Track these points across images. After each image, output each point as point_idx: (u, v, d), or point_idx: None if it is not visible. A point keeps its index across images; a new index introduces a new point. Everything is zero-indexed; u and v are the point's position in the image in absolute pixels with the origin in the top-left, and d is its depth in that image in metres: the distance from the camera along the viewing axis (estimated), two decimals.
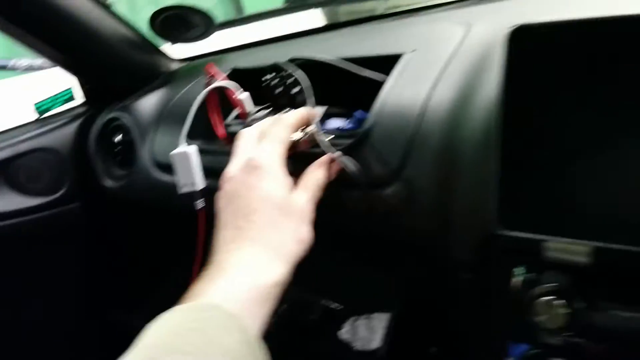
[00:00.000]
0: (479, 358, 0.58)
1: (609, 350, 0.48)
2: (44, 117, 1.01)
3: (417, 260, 0.63)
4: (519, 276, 0.50)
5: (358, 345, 0.93)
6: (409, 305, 0.79)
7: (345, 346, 0.95)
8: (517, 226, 0.46)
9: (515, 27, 0.42)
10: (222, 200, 0.57)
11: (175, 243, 0.92)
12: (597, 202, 0.43)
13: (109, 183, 0.93)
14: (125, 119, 0.92)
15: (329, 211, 0.66)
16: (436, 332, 0.68)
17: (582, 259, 0.46)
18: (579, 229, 0.44)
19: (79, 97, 1.04)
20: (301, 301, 1.06)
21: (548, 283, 0.48)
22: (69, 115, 0.99)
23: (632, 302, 0.46)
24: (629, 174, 0.42)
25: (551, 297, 0.47)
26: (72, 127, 0.96)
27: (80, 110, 1.02)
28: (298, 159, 0.68)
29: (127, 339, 1.01)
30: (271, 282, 0.49)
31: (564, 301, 0.46)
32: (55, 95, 1.02)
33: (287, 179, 0.56)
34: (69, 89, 1.03)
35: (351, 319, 1.01)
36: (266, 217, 0.53)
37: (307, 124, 0.67)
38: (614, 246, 0.42)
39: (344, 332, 0.98)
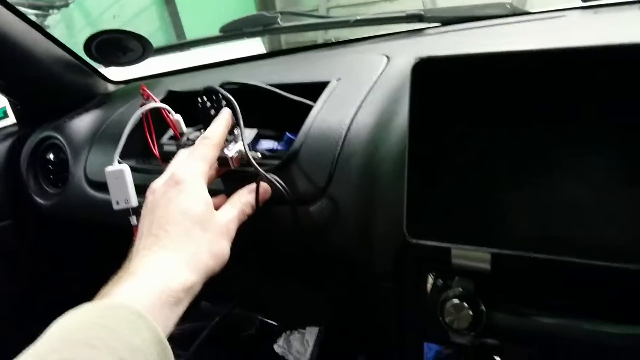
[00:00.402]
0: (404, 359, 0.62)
1: (507, 348, 0.53)
2: None
3: (342, 272, 0.67)
4: (430, 282, 0.56)
5: (292, 358, 0.96)
6: (338, 317, 0.83)
7: (281, 358, 0.98)
8: (426, 236, 0.51)
9: (417, 60, 0.48)
10: (144, 210, 0.60)
11: (110, 258, 0.92)
12: (496, 213, 0.49)
13: (41, 201, 0.92)
14: (58, 137, 0.92)
15: (259, 228, 0.70)
16: (363, 341, 0.72)
17: (483, 265, 0.51)
18: (481, 238, 0.50)
19: (11, 117, 1.03)
20: (238, 317, 1.08)
21: (455, 288, 0.53)
22: (0, 135, 0.98)
23: (526, 303, 0.52)
24: (522, 188, 0.48)
25: (457, 301, 0.52)
26: (4, 146, 0.96)
27: (12, 129, 1.01)
28: (230, 177, 0.72)
29: None
30: (180, 287, 0.50)
31: (468, 305, 0.52)
32: None
33: (206, 195, 0.59)
34: (1, 108, 1.02)
35: (285, 333, 1.04)
36: (182, 228, 0.55)
37: (232, 130, 0.71)
38: (510, 252, 0.48)
39: (278, 346, 1.01)
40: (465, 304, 0.52)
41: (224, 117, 0.70)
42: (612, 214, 0.44)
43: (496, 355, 0.55)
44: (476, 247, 0.49)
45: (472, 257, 0.51)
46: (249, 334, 1.09)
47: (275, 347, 1.04)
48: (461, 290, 0.53)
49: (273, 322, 1.10)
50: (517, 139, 0.47)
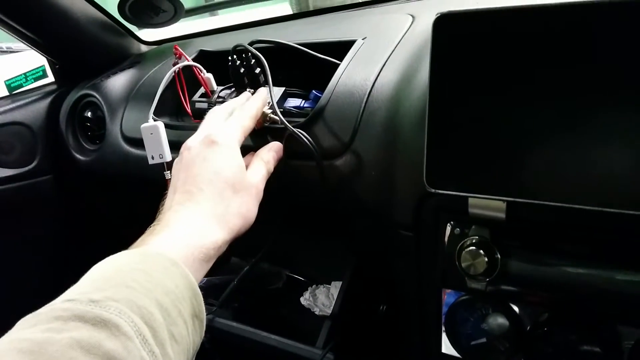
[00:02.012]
0: (419, 308, 0.65)
1: (522, 294, 0.56)
2: (16, 93, 1.05)
3: (365, 223, 0.70)
4: (449, 231, 0.58)
5: (317, 310, 1.00)
6: (361, 271, 0.86)
7: (307, 311, 1.03)
8: (444, 186, 0.54)
9: (438, 15, 0.50)
10: (178, 166, 0.62)
11: (146, 212, 0.97)
12: (512, 163, 0.51)
13: (80, 157, 0.97)
14: (95, 96, 0.96)
15: (286, 182, 0.73)
16: (385, 292, 0.76)
17: (499, 214, 0.54)
18: (497, 188, 0.52)
19: (51, 76, 1.08)
20: (266, 271, 1.13)
21: (472, 236, 0.56)
22: (40, 92, 1.03)
23: (540, 251, 0.54)
24: (537, 139, 0.49)
25: (474, 248, 0.55)
26: (44, 104, 1.00)
27: (52, 87, 1.05)
28: (259, 134, 0.75)
29: None
30: (211, 244, 0.53)
31: (484, 252, 0.54)
32: (27, 72, 1.06)
33: (239, 158, 0.61)
34: (41, 67, 1.07)
35: (311, 287, 1.09)
36: (215, 188, 0.57)
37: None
38: (524, 200, 0.50)
39: (304, 299, 1.06)
40: (481, 251, 0.54)
41: (262, 95, 0.73)
42: (624, 164, 0.46)
43: (511, 301, 0.57)
44: (492, 196, 0.52)
45: (488, 206, 0.53)
46: (276, 287, 1.14)
47: (302, 299, 1.08)
48: (477, 238, 0.55)
49: (300, 277, 1.14)
50: (535, 93, 0.48)
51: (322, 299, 1.08)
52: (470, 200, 0.54)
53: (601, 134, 0.47)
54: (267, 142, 0.73)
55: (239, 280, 0.86)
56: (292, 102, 0.83)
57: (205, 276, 0.54)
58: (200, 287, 0.98)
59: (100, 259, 0.48)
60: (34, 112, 0.99)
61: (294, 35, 0.88)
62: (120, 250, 0.49)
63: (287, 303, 1.09)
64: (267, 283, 1.14)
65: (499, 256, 0.55)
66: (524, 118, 0.49)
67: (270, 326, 0.85)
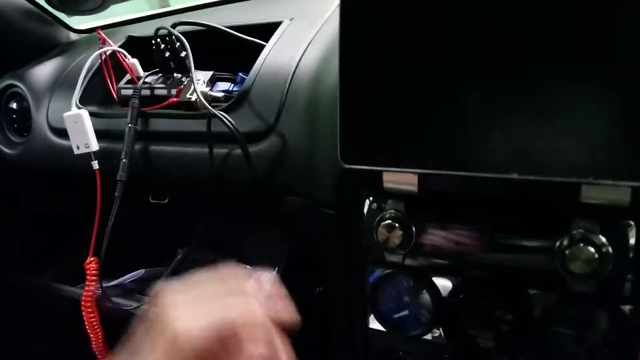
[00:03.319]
0: (345, 285, 0.66)
1: (437, 264, 0.57)
2: None
3: (291, 203, 0.70)
4: (367, 207, 0.59)
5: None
6: (297, 255, 0.86)
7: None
8: (358, 161, 0.54)
9: None
10: (151, 317, 0.39)
11: (74, 206, 0.95)
12: (421, 137, 0.51)
13: (7, 150, 0.94)
14: (19, 86, 0.93)
15: (212, 167, 0.72)
16: (320, 274, 0.76)
17: (412, 188, 0.54)
18: (408, 161, 0.52)
19: None
20: (205, 261, 1.12)
21: (388, 210, 0.56)
22: None
23: (451, 222, 0.55)
24: (445, 112, 0.50)
25: (390, 222, 0.55)
26: None
27: None
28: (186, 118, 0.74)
29: (27, 300, 1.04)
30: None
31: (399, 225, 0.55)
32: None
33: None
34: None
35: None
36: None
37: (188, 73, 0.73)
38: (433, 171, 0.51)
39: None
40: (397, 225, 0.55)
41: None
42: (531, 131, 0.47)
43: (429, 273, 0.58)
44: (404, 169, 0.52)
45: (401, 180, 0.54)
46: None
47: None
48: (393, 212, 0.56)
49: (245, 266, 1.14)
50: (446, 63, 0.48)
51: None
52: (385, 175, 0.54)
53: (511, 104, 0.47)
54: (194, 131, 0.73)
55: (172, 269, 0.85)
56: (222, 86, 0.82)
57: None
58: (139, 280, 0.97)
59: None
60: None
61: (224, 18, 0.87)
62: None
63: None
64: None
65: (414, 229, 0.55)
66: (434, 91, 0.50)
67: None
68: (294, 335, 0.45)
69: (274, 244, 0.92)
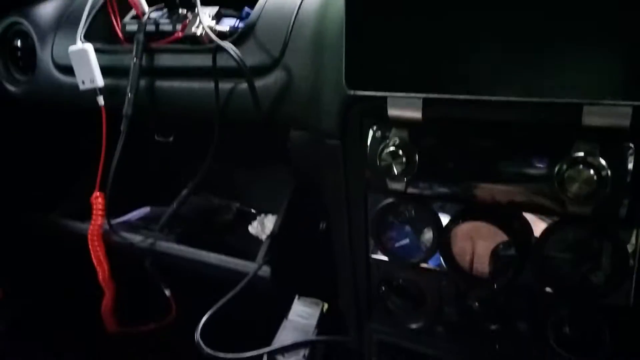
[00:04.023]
0: (347, 216, 0.67)
1: (439, 191, 0.58)
2: None
3: (296, 137, 0.71)
4: (371, 135, 0.60)
5: (264, 237, 1.02)
6: (302, 192, 0.88)
7: (254, 239, 1.05)
8: (363, 87, 0.55)
9: None
10: None
11: (80, 142, 0.96)
12: (425, 63, 0.52)
13: (11, 88, 0.95)
14: (24, 23, 0.93)
15: (219, 101, 0.73)
16: (324, 211, 0.77)
17: (416, 114, 0.55)
18: (413, 86, 0.53)
19: None
20: (215, 205, 1.14)
21: (392, 137, 0.57)
22: None
23: (453, 147, 0.56)
24: (452, 35, 0.50)
25: (393, 149, 0.56)
26: None
27: None
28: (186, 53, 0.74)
29: (41, 237, 1.05)
30: None
31: (403, 152, 0.56)
32: None
33: None
34: None
35: (259, 217, 1.11)
36: None
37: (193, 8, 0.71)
38: (437, 95, 0.51)
39: (252, 228, 1.08)
40: (400, 152, 0.56)
41: None
42: (533, 55, 0.47)
43: (430, 200, 0.60)
44: (408, 93, 0.53)
45: (405, 105, 0.55)
46: (226, 219, 1.16)
47: (250, 228, 1.10)
48: (397, 139, 0.57)
49: (251, 210, 1.16)
50: None
51: (270, 227, 1.10)
52: (389, 102, 0.55)
53: (515, 29, 0.48)
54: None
55: (178, 204, 0.87)
56: (227, 22, 0.82)
57: None
58: (144, 217, 0.98)
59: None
60: None
61: None
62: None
63: (235, 232, 1.11)
64: (217, 215, 1.16)
65: (417, 157, 0.56)
66: (439, 18, 0.50)
67: (215, 251, 0.87)
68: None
69: (277, 185, 0.93)
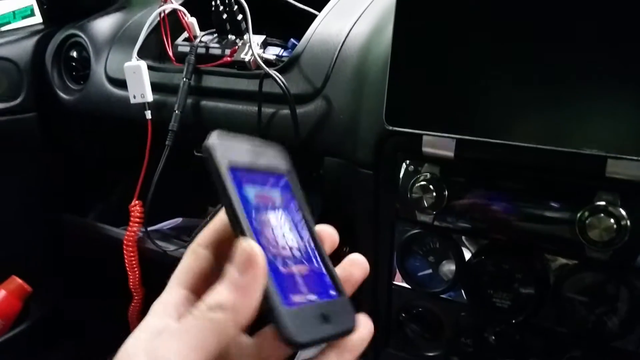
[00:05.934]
0: (374, 242, 0.71)
1: (465, 225, 0.61)
2: (3, 31, 1.07)
3: (331, 164, 0.75)
4: (404, 169, 0.63)
5: None
6: (327, 215, 0.91)
7: None
8: (401, 124, 0.58)
9: None
10: None
11: (121, 151, 1.02)
12: (462, 106, 0.56)
13: (64, 96, 1.00)
14: (82, 36, 0.99)
15: (260, 126, 0.77)
16: (348, 235, 0.81)
17: (448, 153, 0.59)
18: (448, 127, 0.57)
19: (38, 15, 1.10)
20: None
21: (424, 173, 0.61)
22: (28, 31, 1.05)
23: (482, 187, 0.60)
24: (486, 84, 0.54)
25: (424, 183, 0.60)
26: (31, 42, 1.02)
27: (39, 27, 1.08)
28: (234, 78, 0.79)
29: (80, 237, 1.10)
30: None
31: (433, 187, 0.59)
32: (15, 10, 1.08)
33: None
34: (29, 6, 1.09)
35: None
36: None
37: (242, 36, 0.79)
38: (470, 137, 0.55)
39: None
40: (431, 186, 0.60)
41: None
42: (563, 107, 0.51)
43: (456, 234, 0.63)
44: (443, 133, 0.57)
45: (440, 144, 0.58)
46: None
47: None
48: (429, 174, 0.60)
49: None
50: (487, 40, 0.53)
51: None
52: (425, 140, 0.59)
53: (545, 81, 0.52)
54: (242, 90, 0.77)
55: (211, 217, 0.90)
56: (272, 51, 0.87)
57: None
58: (176, 227, 1.02)
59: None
60: (20, 49, 1.01)
61: None
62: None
63: None
64: None
65: (446, 192, 0.60)
66: (475, 66, 0.54)
67: None
68: None
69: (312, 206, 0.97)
